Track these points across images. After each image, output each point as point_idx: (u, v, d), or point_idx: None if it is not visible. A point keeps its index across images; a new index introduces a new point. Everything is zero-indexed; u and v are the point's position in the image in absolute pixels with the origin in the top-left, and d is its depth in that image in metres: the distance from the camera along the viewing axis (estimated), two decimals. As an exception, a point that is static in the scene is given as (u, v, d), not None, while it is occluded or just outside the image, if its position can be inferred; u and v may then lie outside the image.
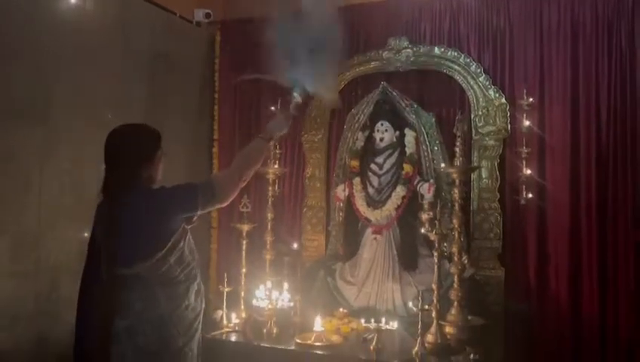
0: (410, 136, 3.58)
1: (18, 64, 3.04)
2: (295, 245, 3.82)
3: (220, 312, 2.99)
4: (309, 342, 2.68)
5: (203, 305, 2.21)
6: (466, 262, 3.35)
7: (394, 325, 2.66)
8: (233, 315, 3.00)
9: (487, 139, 3.59)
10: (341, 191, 3.69)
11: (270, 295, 2.94)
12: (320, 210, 4.02)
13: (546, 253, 3.47)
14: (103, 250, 2.04)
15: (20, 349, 3.02)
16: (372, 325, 2.63)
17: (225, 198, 2.18)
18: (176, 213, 2.04)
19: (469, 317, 2.93)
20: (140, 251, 1.99)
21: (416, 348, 2.57)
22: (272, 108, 3.92)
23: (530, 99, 3.43)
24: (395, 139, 3.60)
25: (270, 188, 3.35)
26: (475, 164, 3.53)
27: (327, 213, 4.00)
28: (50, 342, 3.10)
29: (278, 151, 3.75)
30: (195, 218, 2.14)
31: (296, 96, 2.48)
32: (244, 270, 3.14)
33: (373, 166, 3.59)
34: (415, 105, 3.67)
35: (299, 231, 4.07)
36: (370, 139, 3.69)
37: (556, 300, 3.42)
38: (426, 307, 2.59)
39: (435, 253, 2.72)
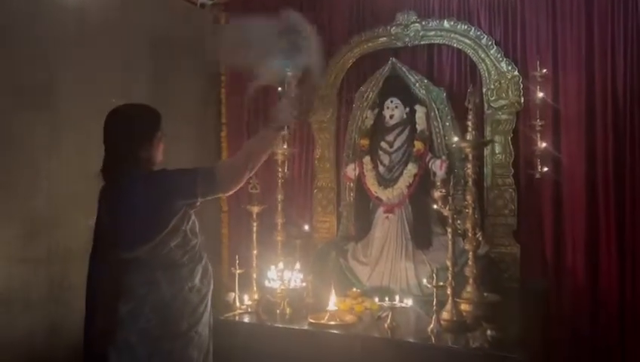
0: (420, 112, 3.51)
1: (21, 52, 3.04)
2: (306, 227, 3.77)
3: (232, 294, 2.96)
4: (322, 321, 2.64)
5: (211, 287, 2.17)
6: (480, 238, 3.29)
7: (408, 303, 2.60)
8: (245, 297, 2.96)
9: (499, 113, 3.51)
10: (351, 171, 3.64)
11: (282, 276, 2.90)
12: (330, 191, 3.97)
13: (563, 228, 3.39)
14: (104, 233, 2.04)
15: (33, 336, 3.04)
16: (386, 303, 2.59)
17: (227, 188, 2.13)
18: (174, 198, 2.01)
19: (485, 294, 2.87)
20: (139, 235, 1.97)
21: (431, 326, 2.52)
22: (279, 88, 3.86)
23: (544, 70, 3.32)
24: (405, 116, 3.52)
25: (280, 170, 3.29)
26: (497, 140, 3.46)
27: (337, 193, 3.96)
28: (64, 329, 3.10)
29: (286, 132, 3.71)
30: (197, 203, 2.10)
31: (287, 74, 2.34)
32: (255, 252, 3.10)
33: (383, 144, 3.52)
34: (425, 81, 3.59)
35: (310, 212, 4.03)
36: (379, 117, 3.62)
37: (573, 276, 3.35)
38: (441, 284, 2.53)
39: (449, 229, 2.66)
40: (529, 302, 3.18)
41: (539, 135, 3.32)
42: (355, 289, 3.12)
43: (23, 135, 3.04)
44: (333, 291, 2.73)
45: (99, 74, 3.40)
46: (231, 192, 2.19)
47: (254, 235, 3.11)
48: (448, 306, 2.60)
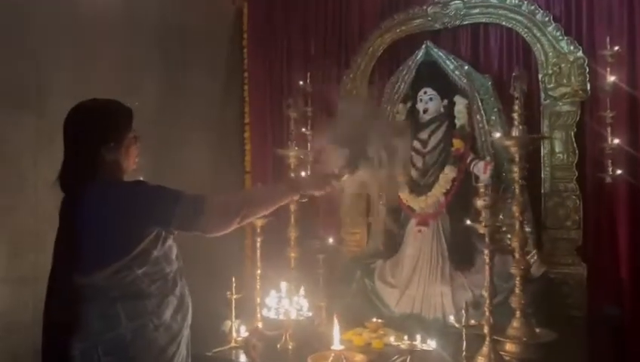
0: (460, 104, 2.96)
1: (7, 44, 2.74)
2: (330, 240, 3.27)
3: (228, 323, 2.51)
4: (324, 364, 2.14)
5: (187, 323, 1.79)
6: (535, 258, 2.70)
7: (431, 344, 2.06)
8: (242, 327, 2.51)
9: (560, 103, 2.91)
10: (379, 176, 3.11)
11: (285, 302, 2.42)
12: (360, 199, 3.46)
13: (642, 243, 2.74)
14: (60, 254, 1.72)
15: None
16: (404, 343, 2.05)
17: (209, 229, 1.73)
18: (145, 220, 1.67)
19: (537, 330, 2.29)
20: (97, 256, 1.64)
21: (460, 377, 1.97)
22: (301, 82, 3.45)
23: (616, 48, 2.68)
24: (442, 110, 2.98)
25: (292, 175, 2.83)
26: (546, 135, 2.87)
27: (368, 201, 3.44)
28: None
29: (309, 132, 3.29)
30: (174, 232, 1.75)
31: (345, 173, 1.98)
32: (258, 271, 2.65)
33: (416, 143, 2.98)
34: (466, 67, 3.02)
35: (337, 223, 3.54)
36: (412, 112, 3.08)
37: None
38: (472, 322, 1.97)
39: (486, 251, 2.09)
40: (598, 337, 2.57)
41: (609, 129, 2.69)
42: (375, 320, 2.59)
43: (7, 139, 2.76)
44: (336, 324, 2.20)
45: (95, 71, 3.07)
46: (210, 235, 1.76)
47: (258, 253, 2.67)
48: (485, 350, 2.04)
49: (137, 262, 1.64)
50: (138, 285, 1.66)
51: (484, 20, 3.14)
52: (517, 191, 2.30)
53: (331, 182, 1.96)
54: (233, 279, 2.50)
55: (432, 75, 3.01)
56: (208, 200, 1.70)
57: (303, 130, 3.37)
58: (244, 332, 2.47)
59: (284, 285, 2.49)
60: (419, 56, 3.12)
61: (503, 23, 3.07)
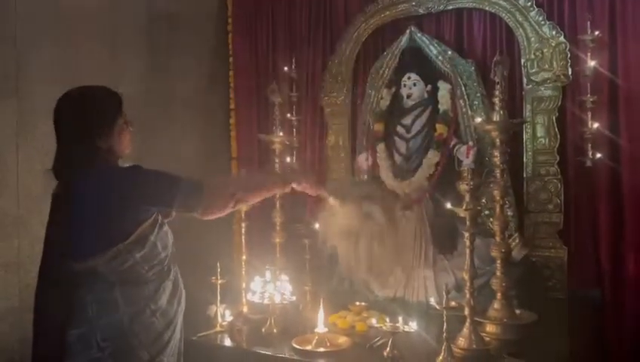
0: (444, 89, 2.96)
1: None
2: (317, 225, 3.28)
3: (213, 308, 2.53)
4: (308, 347, 2.16)
5: (182, 307, 1.84)
6: (517, 241, 2.73)
7: (413, 326, 2.09)
8: (227, 312, 2.52)
9: (542, 88, 2.91)
10: (363, 161, 3.14)
11: (272, 287, 2.44)
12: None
13: (622, 227, 2.77)
14: (55, 241, 1.74)
15: (3, 349, 2.74)
16: (386, 325, 2.08)
17: (206, 211, 1.81)
18: (144, 202, 1.71)
19: (518, 312, 2.32)
20: (96, 241, 1.67)
21: (440, 357, 2.00)
22: (285, 68, 3.45)
23: (597, 33, 2.69)
24: (425, 95, 2.99)
25: (277, 160, 2.84)
26: (528, 120, 2.88)
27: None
28: (35, 340, 2.78)
29: (294, 118, 3.32)
30: (172, 213, 1.82)
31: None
32: (244, 257, 2.67)
33: (399, 128, 2.99)
34: (449, 52, 3.02)
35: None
36: (396, 97, 3.09)
37: (637, 286, 2.73)
38: (453, 304, 2.00)
39: (467, 234, 2.12)
40: (579, 319, 2.61)
41: (590, 114, 2.71)
42: (358, 303, 2.62)
43: (-13, 125, 2.75)
44: (322, 308, 2.23)
45: (77, 55, 3.04)
46: (205, 218, 1.84)
47: (243, 238, 2.68)
48: (465, 331, 2.07)
49: (135, 246, 1.68)
50: (137, 270, 1.69)
51: (467, 5, 3.11)
52: (498, 175, 2.31)
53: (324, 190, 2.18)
54: (218, 264, 2.52)
55: (416, 60, 3.01)
56: (206, 182, 1.78)
57: (288, 115, 3.39)
58: (229, 317, 2.49)
59: (268, 271, 2.50)
60: (403, 41, 3.11)
61: (487, 8, 3.05)
